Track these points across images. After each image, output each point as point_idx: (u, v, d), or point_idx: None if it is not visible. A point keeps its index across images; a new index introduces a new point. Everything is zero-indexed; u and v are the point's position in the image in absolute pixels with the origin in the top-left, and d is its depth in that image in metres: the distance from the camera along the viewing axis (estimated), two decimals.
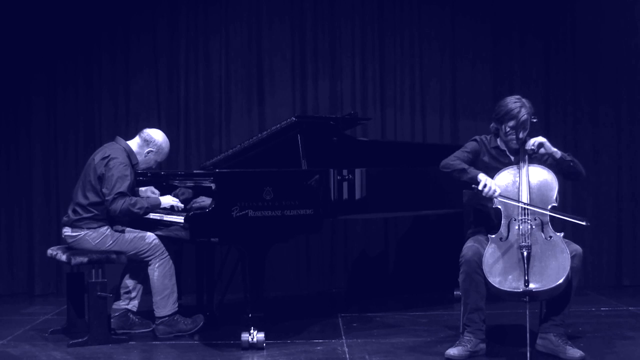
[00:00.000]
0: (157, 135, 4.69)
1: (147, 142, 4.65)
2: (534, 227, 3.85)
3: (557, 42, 6.25)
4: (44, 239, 5.98)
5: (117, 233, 4.50)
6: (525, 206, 3.86)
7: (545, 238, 3.84)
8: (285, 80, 6.19)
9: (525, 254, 3.74)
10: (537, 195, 3.93)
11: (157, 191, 4.80)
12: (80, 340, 4.33)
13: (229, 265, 5.19)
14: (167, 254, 4.56)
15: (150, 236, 4.55)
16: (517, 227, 3.86)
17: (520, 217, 3.86)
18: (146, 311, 4.71)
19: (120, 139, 4.68)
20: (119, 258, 4.47)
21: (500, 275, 3.77)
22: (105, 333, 4.36)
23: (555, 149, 3.98)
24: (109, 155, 4.49)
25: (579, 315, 4.92)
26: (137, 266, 4.66)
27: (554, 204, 3.92)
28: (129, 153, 4.59)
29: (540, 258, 3.77)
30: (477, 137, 4.20)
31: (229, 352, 4.19)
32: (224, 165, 5.05)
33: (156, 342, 4.44)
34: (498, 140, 4.14)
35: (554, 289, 3.70)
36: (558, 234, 3.86)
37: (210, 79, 6.17)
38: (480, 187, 3.85)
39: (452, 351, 3.96)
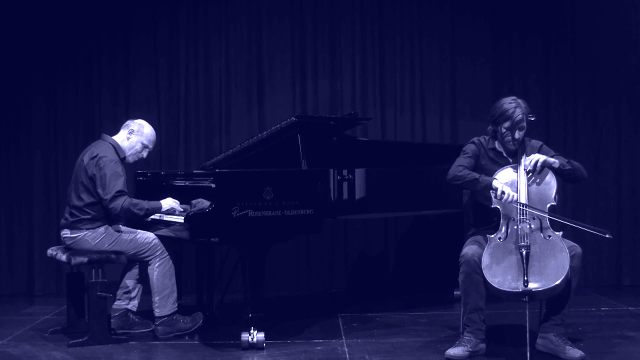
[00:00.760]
0: (137, 120, 4.71)
1: (127, 125, 4.66)
2: (532, 226, 3.85)
3: (557, 42, 6.25)
4: (44, 239, 5.98)
5: (116, 233, 4.49)
6: (542, 214, 3.84)
7: (544, 237, 3.83)
8: (285, 80, 6.19)
9: (524, 253, 3.74)
10: (536, 195, 3.93)
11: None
12: (80, 340, 4.33)
13: (229, 265, 5.19)
14: (167, 253, 4.56)
15: (150, 236, 4.55)
16: (515, 227, 3.85)
17: (518, 217, 3.86)
18: (146, 311, 4.71)
19: (105, 136, 4.65)
20: (119, 258, 4.47)
21: (500, 275, 3.77)
22: (105, 333, 4.36)
23: (553, 160, 3.95)
24: (97, 155, 4.47)
25: (579, 315, 4.92)
26: (137, 266, 4.66)
27: (553, 203, 3.92)
28: (116, 148, 4.57)
29: (539, 258, 3.77)
30: (475, 139, 4.20)
31: (229, 352, 4.19)
32: (224, 165, 5.05)
33: (156, 342, 4.44)
34: (496, 142, 4.14)
35: (553, 288, 3.69)
36: (557, 233, 3.86)
37: (210, 79, 6.18)
38: (498, 195, 3.84)
39: (452, 351, 3.96)
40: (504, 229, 3.90)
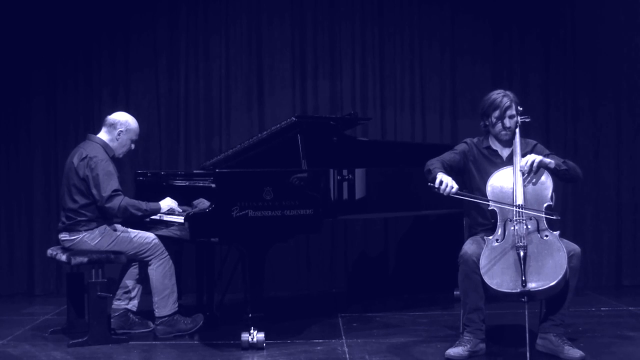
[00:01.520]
0: (119, 115, 4.66)
1: (113, 125, 4.61)
2: (529, 227, 3.85)
3: (557, 41, 6.25)
4: (44, 239, 5.97)
5: (116, 233, 4.49)
6: (491, 204, 3.89)
7: (541, 237, 3.83)
8: (285, 80, 6.19)
9: (521, 254, 3.74)
10: (532, 195, 3.93)
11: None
12: (80, 340, 4.33)
13: (229, 265, 5.19)
14: (167, 253, 4.56)
15: (150, 236, 4.55)
16: (512, 228, 3.85)
17: (515, 218, 3.86)
18: (146, 311, 4.71)
19: (92, 136, 4.63)
20: (119, 258, 4.47)
21: (498, 277, 3.77)
22: (105, 333, 4.36)
23: (549, 160, 3.95)
24: (87, 155, 4.45)
25: (579, 315, 4.92)
26: (137, 266, 4.66)
27: (549, 203, 3.92)
28: (104, 146, 4.55)
29: (536, 257, 3.77)
30: (467, 139, 4.23)
31: (229, 352, 4.19)
32: (224, 165, 5.05)
33: (156, 342, 4.44)
34: (490, 139, 4.14)
35: (551, 287, 3.69)
36: (554, 232, 3.86)
37: (210, 79, 6.17)
38: (436, 185, 3.85)
39: (452, 351, 3.96)
40: (500, 230, 3.90)
